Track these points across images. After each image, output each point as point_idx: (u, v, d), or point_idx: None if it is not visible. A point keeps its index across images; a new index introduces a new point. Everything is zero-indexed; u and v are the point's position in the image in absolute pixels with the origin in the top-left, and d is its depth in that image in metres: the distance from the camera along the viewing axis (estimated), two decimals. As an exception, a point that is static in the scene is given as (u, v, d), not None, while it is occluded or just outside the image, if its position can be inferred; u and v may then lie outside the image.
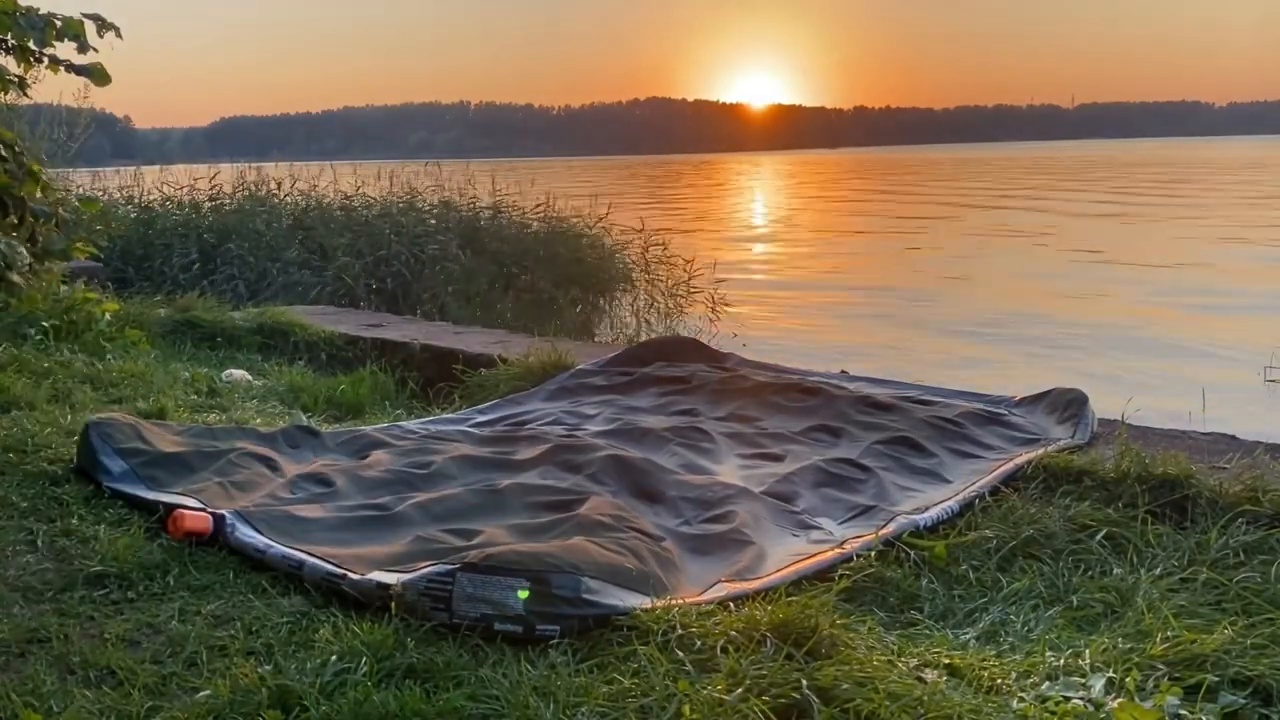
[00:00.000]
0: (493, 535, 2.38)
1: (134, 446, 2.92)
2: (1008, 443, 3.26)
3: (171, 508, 2.56)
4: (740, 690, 1.68)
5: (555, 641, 1.91)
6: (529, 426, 3.56)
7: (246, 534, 2.42)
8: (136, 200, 10.84)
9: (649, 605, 2.02)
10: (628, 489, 2.81)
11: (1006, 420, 3.49)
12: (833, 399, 3.67)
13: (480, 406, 3.99)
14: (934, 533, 2.57)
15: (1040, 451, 3.05)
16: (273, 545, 2.36)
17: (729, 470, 3.08)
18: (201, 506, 2.57)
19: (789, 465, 3.07)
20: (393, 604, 2.03)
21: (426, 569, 2.04)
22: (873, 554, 2.38)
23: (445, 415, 3.89)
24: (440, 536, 2.42)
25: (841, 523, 2.65)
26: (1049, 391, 3.70)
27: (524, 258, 10.16)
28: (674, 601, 2.04)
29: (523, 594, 1.92)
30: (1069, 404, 3.52)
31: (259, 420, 3.64)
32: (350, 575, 2.17)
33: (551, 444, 3.18)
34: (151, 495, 2.70)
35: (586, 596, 1.99)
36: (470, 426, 3.61)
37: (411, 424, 3.64)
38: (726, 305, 10.44)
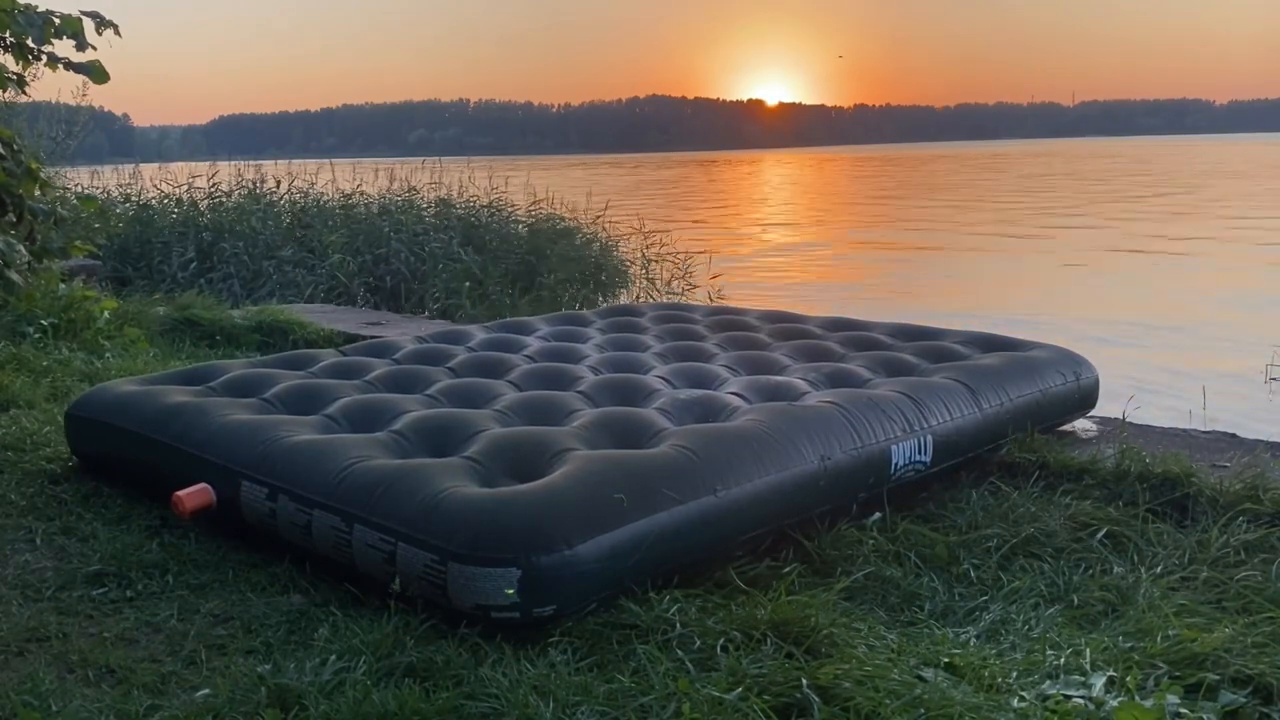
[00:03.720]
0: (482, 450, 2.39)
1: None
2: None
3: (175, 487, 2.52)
4: (740, 689, 1.68)
5: (555, 640, 1.91)
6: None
7: (254, 492, 2.39)
8: (135, 198, 10.83)
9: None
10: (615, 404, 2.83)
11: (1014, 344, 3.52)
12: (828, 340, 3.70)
13: (487, 324, 4.11)
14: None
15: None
16: (283, 495, 2.33)
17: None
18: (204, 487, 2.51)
19: (787, 376, 3.12)
20: (392, 587, 2.03)
21: (422, 554, 2.03)
22: (873, 554, 2.37)
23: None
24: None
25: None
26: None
27: (530, 255, 10.15)
28: None
29: (510, 591, 1.91)
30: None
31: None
32: (357, 528, 2.15)
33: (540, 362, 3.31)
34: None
35: (573, 566, 1.98)
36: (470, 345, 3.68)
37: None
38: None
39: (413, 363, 3.33)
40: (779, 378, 3.06)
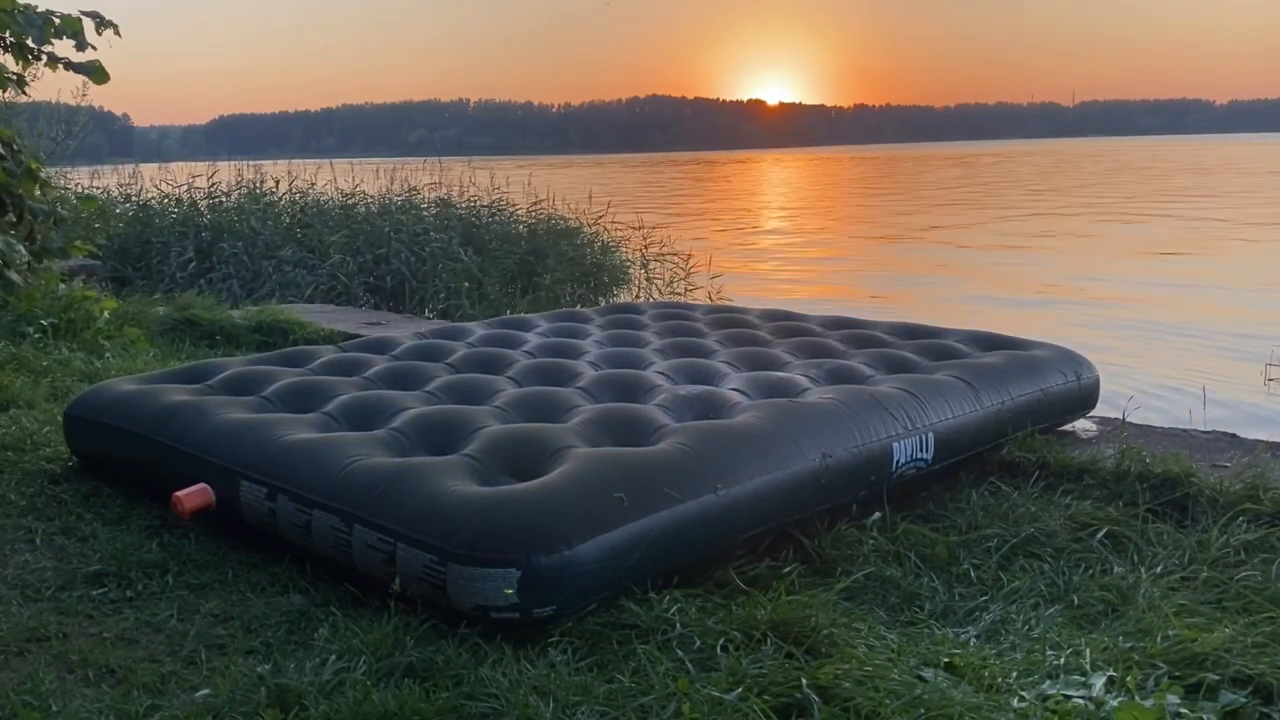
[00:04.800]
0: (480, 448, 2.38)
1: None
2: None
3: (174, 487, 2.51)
4: (740, 689, 1.67)
5: (555, 640, 1.91)
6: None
7: (253, 492, 2.39)
8: (135, 198, 10.83)
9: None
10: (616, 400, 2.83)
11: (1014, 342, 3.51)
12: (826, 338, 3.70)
13: (486, 321, 4.10)
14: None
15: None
16: (282, 495, 2.32)
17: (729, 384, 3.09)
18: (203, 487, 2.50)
19: (788, 372, 3.11)
20: (393, 587, 2.03)
21: (422, 555, 2.03)
22: (873, 554, 2.37)
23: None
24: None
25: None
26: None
27: (529, 255, 10.16)
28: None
29: (509, 591, 1.91)
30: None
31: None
32: (356, 528, 2.14)
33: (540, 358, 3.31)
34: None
35: (573, 566, 1.97)
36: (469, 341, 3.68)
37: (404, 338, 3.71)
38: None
39: (412, 359, 3.32)
40: (780, 373, 3.06)
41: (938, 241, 17.02)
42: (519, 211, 11.10)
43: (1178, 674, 1.74)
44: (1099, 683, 1.71)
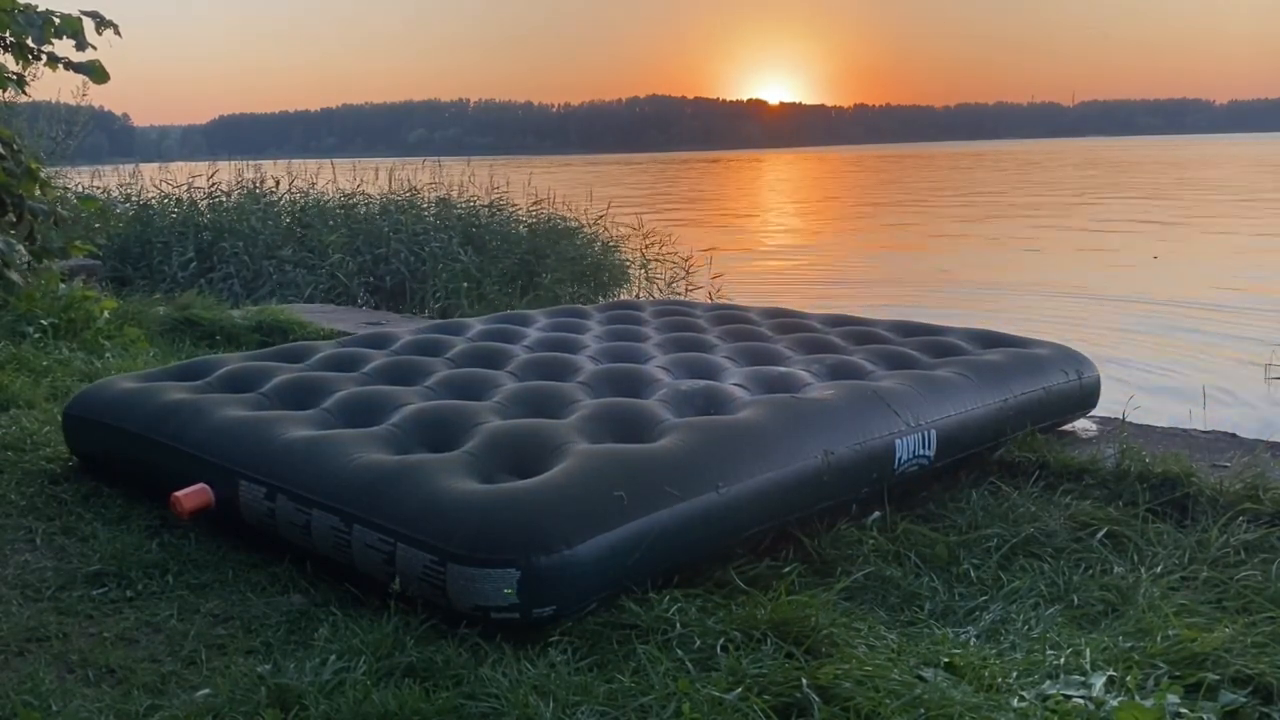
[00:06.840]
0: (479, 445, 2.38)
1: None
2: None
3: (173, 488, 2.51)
4: (740, 689, 1.67)
5: (555, 640, 1.91)
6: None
7: (253, 491, 2.38)
8: (135, 198, 10.84)
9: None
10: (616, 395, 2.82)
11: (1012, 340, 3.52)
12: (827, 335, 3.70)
13: (484, 316, 4.10)
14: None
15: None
16: (282, 495, 2.31)
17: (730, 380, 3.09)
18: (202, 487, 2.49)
19: (789, 368, 3.11)
20: (393, 587, 2.03)
21: (422, 556, 2.02)
22: (873, 554, 2.37)
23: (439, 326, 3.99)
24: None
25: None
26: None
27: (529, 255, 10.16)
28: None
29: (509, 591, 1.91)
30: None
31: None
32: (356, 527, 2.14)
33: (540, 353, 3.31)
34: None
35: (573, 566, 1.97)
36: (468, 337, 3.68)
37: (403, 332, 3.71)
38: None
39: (410, 354, 3.31)
40: (781, 369, 3.06)
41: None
42: (519, 211, 11.10)
43: (1178, 674, 1.74)
44: (1099, 683, 1.71)
